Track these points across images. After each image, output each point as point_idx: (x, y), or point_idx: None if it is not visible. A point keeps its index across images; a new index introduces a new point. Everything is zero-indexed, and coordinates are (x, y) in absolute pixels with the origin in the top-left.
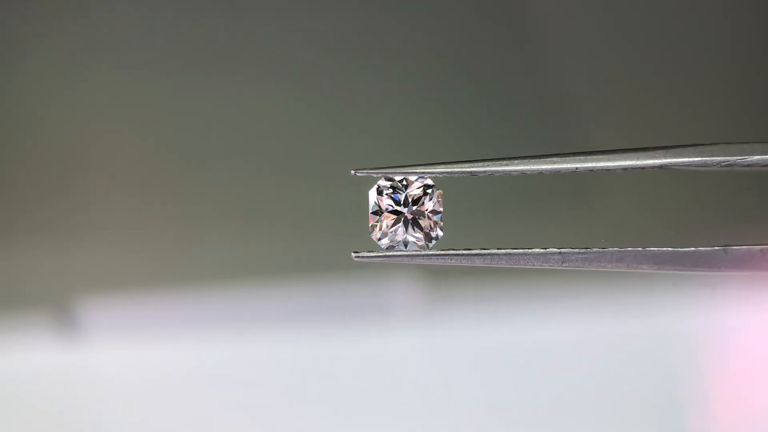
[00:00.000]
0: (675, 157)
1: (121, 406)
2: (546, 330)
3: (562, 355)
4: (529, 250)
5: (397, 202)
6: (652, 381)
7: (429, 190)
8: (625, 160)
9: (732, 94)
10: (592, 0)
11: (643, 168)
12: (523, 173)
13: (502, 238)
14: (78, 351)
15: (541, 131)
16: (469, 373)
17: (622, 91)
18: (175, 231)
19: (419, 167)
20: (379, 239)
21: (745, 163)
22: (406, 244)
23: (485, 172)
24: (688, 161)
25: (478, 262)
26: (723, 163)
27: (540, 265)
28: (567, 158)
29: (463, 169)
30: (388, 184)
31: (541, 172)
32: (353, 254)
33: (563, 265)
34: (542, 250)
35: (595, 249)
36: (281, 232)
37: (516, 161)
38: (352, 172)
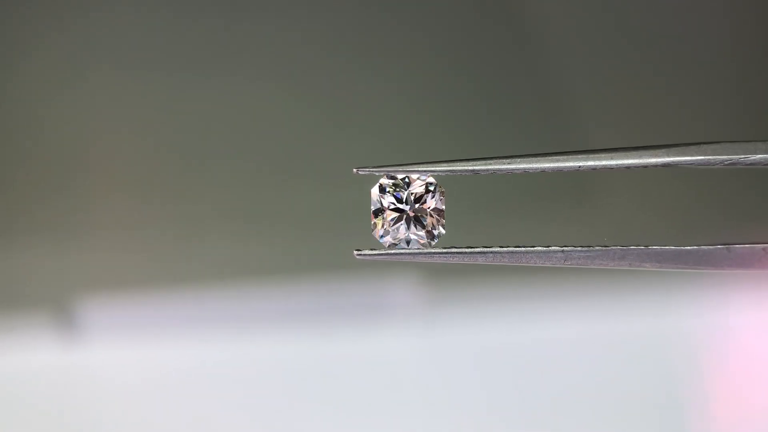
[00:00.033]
0: (678, 156)
1: (121, 406)
2: (546, 330)
3: (562, 354)
4: (532, 248)
5: (400, 200)
6: (652, 381)
7: (431, 188)
8: (627, 158)
9: (732, 94)
10: (592, 0)
11: (645, 166)
12: (525, 171)
13: (504, 236)
14: (78, 351)
15: (541, 131)
16: (469, 372)
17: (622, 91)
18: (175, 231)
19: (421, 165)
20: (381, 237)
21: (748, 162)
22: (408, 242)
23: (488, 170)
24: (691, 160)
25: (480, 260)
26: (726, 162)
27: (542, 263)
28: (569, 156)
29: (466, 168)
30: (390, 182)
31: (543, 171)
32: (355, 252)
33: (566, 263)
34: (545, 248)
35: (597, 247)
36: (281, 232)
37: (518, 159)
38: (354, 170)
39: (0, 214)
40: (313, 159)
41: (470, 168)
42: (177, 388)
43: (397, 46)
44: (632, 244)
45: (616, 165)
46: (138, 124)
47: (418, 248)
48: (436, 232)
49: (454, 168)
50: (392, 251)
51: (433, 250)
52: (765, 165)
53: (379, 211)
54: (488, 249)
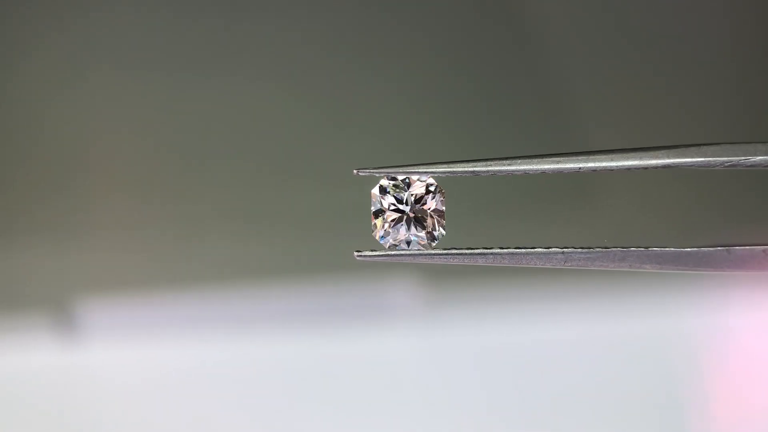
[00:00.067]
0: (678, 158)
1: (121, 406)
2: (546, 330)
3: (562, 355)
4: (532, 250)
5: (400, 201)
6: (653, 381)
7: (432, 189)
8: (628, 160)
9: (732, 94)
10: (592, 0)
11: (645, 168)
12: (525, 173)
13: (504, 238)
14: (78, 351)
15: (541, 131)
16: (469, 373)
17: (622, 91)
18: (175, 231)
19: (422, 167)
20: (382, 238)
21: (749, 164)
22: (408, 243)
23: (488, 171)
24: (691, 161)
25: (480, 262)
26: (726, 164)
27: (543, 265)
28: (570, 158)
29: (466, 169)
30: (391, 183)
31: (543, 172)
32: (356, 253)
33: (566, 264)
34: (545, 250)
35: (597, 249)
36: (281, 232)
37: (519, 161)
38: (355, 171)
39: (0, 214)
40: (313, 159)
41: (470, 169)
42: (177, 388)
43: (397, 46)
44: (632, 246)
45: (617, 166)
46: (138, 124)
47: (419, 249)
48: (436, 233)
49: (454, 169)
50: (393, 252)
51: (433, 252)
52: (765, 166)
53: (380, 212)
54: (489, 250)
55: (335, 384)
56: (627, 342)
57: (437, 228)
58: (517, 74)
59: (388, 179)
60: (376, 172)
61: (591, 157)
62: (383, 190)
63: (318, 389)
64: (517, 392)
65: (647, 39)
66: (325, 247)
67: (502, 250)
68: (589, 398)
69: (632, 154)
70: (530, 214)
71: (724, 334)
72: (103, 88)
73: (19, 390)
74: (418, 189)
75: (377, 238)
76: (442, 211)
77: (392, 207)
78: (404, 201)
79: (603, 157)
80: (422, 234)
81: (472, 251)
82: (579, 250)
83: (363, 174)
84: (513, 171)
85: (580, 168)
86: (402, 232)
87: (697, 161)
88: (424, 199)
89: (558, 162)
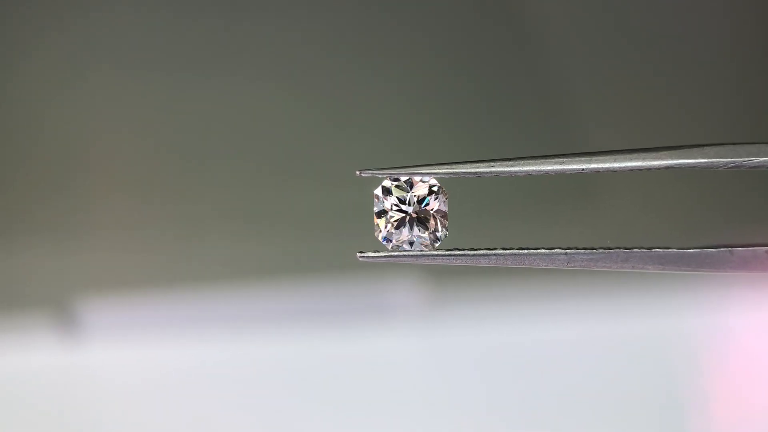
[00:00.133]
0: (681, 159)
1: (121, 406)
2: (547, 331)
3: (562, 355)
4: (535, 251)
5: (403, 202)
6: (653, 381)
7: (434, 189)
8: (631, 161)
9: (732, 94)
10: (592, 0)
11: (648, 169)
12: (528, 174)
13: (507, 238)
14: (78, 351)
15: (541, 131)
16: (469, 373)
17: (622, 91)
18: (175, 231)
19: (424, 168)
20: (384, 239)
21: (752, 165)
22: (411, 244)
23: (491, 172)
24: (694, 162)
25: (483, 263)
26: (729, 165)
27: (545, 266)
28: (573, 159)
29: (468, 170)
30: (393, 184)
31: (547, 173)
32: (358, 254)
33: (569, 265)
34: (548, 251)
35: (600, 249)
36: (281, 232)
37: (522, 162)
38: (357, 172)
39: (0, 214)
40: (314, 159)
41: (473, 170)
42: (177, 388)
43: (397, 46)
44: (635, 247)
45: (620, 167)
46: (138, 124)
47: (421, 250)
48: (439, 234)
49: (457, 170)
50: (395, 253)
51: (436, 253)
52: None
53: (382, 213)
54: (491, 251)
55: (335, 384)
56: (627, 342)
57: (440, 229)
58: (517, 74)
59: (390, 180)
60: (379, 173)
61: (594, 158)
62: (386, 191)
63: (318, 389)
64: (518, 392)
65: (647, 39)
66: (325, 247)
67: (505, 251)
68: (589, 398)
69: (635, 155)
70: (533, 214)
71: (724, 334)
72: (103, 88)
73: (19, 390)
74: (420, 190)
75: (380, 238)
76: (444, 212)
77: (395, 208)
78: (407, 202)
79: (606, 158)
80: (425, 235)
81: (475, 252)
82: (582, 251)
83: (365, 175)
84: (516, 172)
85: (583, 169)
86: (404, 233)
87: (700, 162)
88: (426, 200)
89: (561, 163)
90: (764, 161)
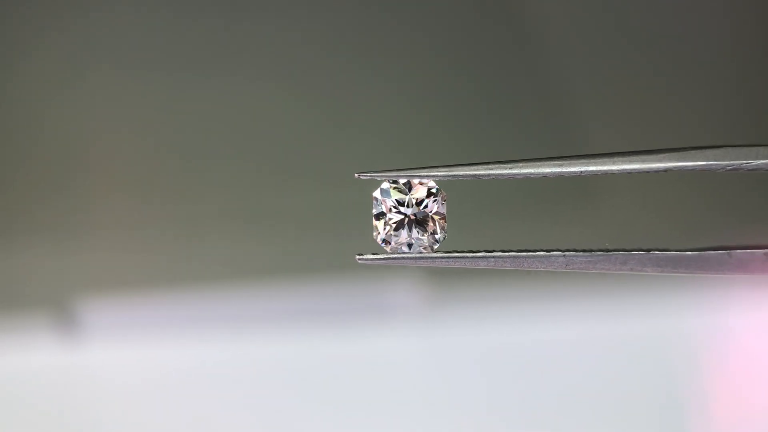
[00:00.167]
0: (680, 161)
1: (121, 406)
2: (547, 331)
3: (562, 355)
4: (534, 253)
5: (401, 204)
6: (653, 381)
7: (433, 191)
8: (630, 163)
9: (732, 94)
10: (592, 0)
11: (647, 172)
12: (527, 177)
13: (506, 239)
14: (78, 351)
15: (541, 131)
16: (469, 373)
17: (622, 91)
18: (175, 231)
19: (423, 170)
20: (383, 241)
21: (750, 168)
22: (409, 246)
23: (489, 175)
24: (693, 165)
25: (482, 265)
26: (728, 168)
27: (544, 268)
28: (571, 161)
29: (467, 173)
30: (392, 186)
31: (545, 176)
32: (357, 256)
33: (567, 267)
34: (546, 253)
35: (599, 252)
36: (281, 233)
37: (520, 164)
38: (356, 175)
39: (0, 214)
40: (314, 159)
41: (471, 173)
42: (177, 388)
43: (397, 46)
44: (634, 249)
45: (618, 170)
46: (138, 124)
47: (420, 252)
48: (438, 236)
49: (455, 173)
50: (394, 255)
51: (434, 255)
52: (767, 170)
53: (381, 215)
54: (490, 254)
55: (335, 384)
56: (627, 342)
57: (439, 231)
58: (517, 74)
59: (389, 182)
60: (378, 176)
61: (593, 160)
62: (384, 193)
63: (318, 389)
64: (518, 392)
65: (647, 39)
66: (325, 247)
67: (503, 254)
68: (589, 398)
69: (634, 157)
70: (532, 214)
71: (724, 334)
72: (103, 88)
73: (19, 390)
74: (419, 192)
75: (378, 241)
76: (443, 214)
77: (394, 210)
78: (406, 204)
79: (605, 160)
80: (424, 237)
81: (473, 254)
82: (580, 253)
83: (364, 178)
84: (514, 175)
85: (581, 171)
86: (403, 235)
87: (698, 165)
88: (425, 202)
89: (560, 165)
90: (762, 164)
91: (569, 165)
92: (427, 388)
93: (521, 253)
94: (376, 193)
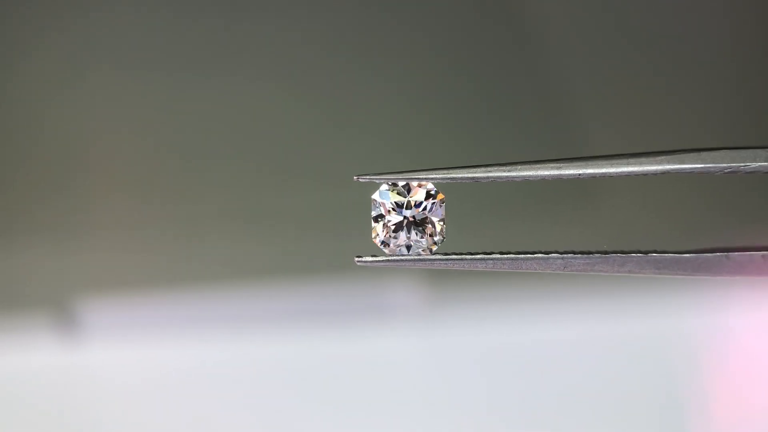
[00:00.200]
0: (678, 164)
1: (121, 406)
2: (546, 331)
3: (562, 355)
4: (532, 255)
5: (400, 206)
6: (653, 381)
7: (432, 193)
8: (628, 166)
9: (732, 94)
10: (592, 0)
11: (645, 174)
12: (525, 179)
13: (506, 239)
14: (78, 351)
15: (541, 131)
16: (469, 373)
17: (622, 91)
18: (175, 231)
19: (422, 173)
20: (382, 243)
21: (749, 170)
22: (408, 248)
23: (487, 178)
24: (691, 167)
25: (480, 267)
26: (726, 170)
27: (542, 270)
28: (570, 163)
29: (465, 175)
30: (391, 188)
31: (543, 179)
32: (356, 258)
33: (565, 269)
34: (544, 255)
35: (597, 254)
36: (281, 233)
37: (519, 166)
38: (355, 178)
39: (0, 214)
40: (314, 160)
41: (470, 175)
42: (177, 388)
43: (397, 46)
44: (632, 251)
45: (617, 172)
46: (138, 124)
47: (419, 254)
48: (436, 238)
49: (453, 175)
50: (393, 257)
51: (433, 257)
52: (766, 172)
53: (380, 217)
54: (488, 256)
55: (335, 384)
56: (627, 342)
57: (437, 233)
58: (517, 74)
59: (388, 185)
60: (376, 179)
61: (591, 162)
62: (383, 196)
63: (318, 389)
64: (518, 392)
65: (647, 39)
66: (325, 247)
67: (502, 256)
68: (589, 398)
69: (632, 159)
70: (531, 215)
71: (724, 334)
72: (103, 88)
73: (19, 390)
74: (418, 194)
75: (377, 243)
76: (442, 216)
77: (392, 212)
78: (404, 206)
79: (603, 162)
80: (422, 239)
81: (472, 256)
82: (579, 255)
83: (363, 180)
84: (513, 177)
85: (580, 174)
86: (402, 237)
87: (696, 167)
88: (424, 204)
89: (558, 168)
90: (760, 166)
91: (567, 167)
92: (427, 388)
93: (519, 255)
94: (375, 196)
